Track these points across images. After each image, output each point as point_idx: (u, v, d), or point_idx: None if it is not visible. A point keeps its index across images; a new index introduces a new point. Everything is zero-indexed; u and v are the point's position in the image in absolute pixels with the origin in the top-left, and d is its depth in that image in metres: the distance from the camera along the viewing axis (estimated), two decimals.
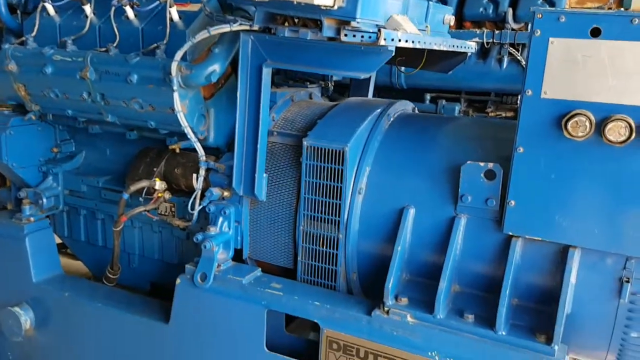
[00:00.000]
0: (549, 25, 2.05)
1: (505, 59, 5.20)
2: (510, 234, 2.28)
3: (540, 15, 2.06)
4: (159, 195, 2.91)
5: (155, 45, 2.67)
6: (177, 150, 2.90)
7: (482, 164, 2.31)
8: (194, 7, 2.73)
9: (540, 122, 2.11)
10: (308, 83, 3.36)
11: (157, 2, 2.72)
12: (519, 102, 2.20)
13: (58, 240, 3.52)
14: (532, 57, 2.09)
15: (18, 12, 3.26)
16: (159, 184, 2.91)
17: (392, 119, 2.80)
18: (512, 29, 5.15)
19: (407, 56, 3.03)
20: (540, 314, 2.25)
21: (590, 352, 2.39)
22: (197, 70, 2.51)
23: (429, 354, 2.19)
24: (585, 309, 2.24)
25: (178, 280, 2.70)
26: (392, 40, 2.11)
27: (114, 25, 2.79)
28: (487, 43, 5.18)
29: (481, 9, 5.37)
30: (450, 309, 2.33)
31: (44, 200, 3.26)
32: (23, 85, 3.01)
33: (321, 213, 2.61)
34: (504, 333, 2.18)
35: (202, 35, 2.42)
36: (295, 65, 2.46)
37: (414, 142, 2.67)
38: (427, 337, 2.24)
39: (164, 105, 2.63)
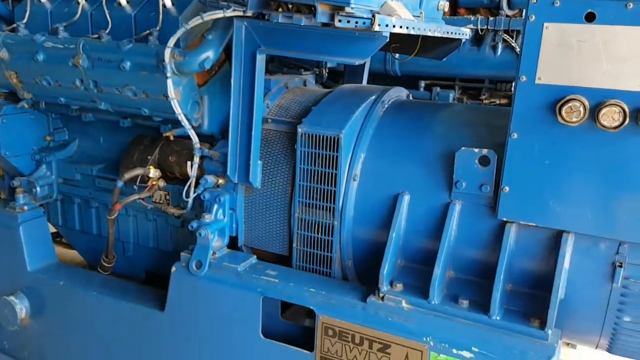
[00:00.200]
0: (544, 10, 2.04)
1: (500, 46, 5.18)
2: (505, 219, 2.29)
3: (535, 0, 2.05)
4: (154, 183, 2.90)
5: (148, 31, 2.65)
6: (171, 138, 2.89)
7: (476, 150, 2.32)
8: None
9: (534, 108, 2.11)
10: (302, 70, 3.35)
11: None
12: (513, 88, 2.20)
13: (52, 230, 3.51)
14: (526, 42, 2.09)
15: None
16: (153, 172, 2.89)
17: (386, 106, 2.79)
18: (507, 16, 5.13)
19: (401, 43, 3.01)
20: (534, 299, 2.27)
21: (584, 337, 2.41)
22: (191, 56, 2.50)
23: (424, 339, 2.21)
24: (579, 293, 2.25)
25: (173, 268, 2.70)
26: (387, 26, 2.10)
27: (106, 11, 2.77)
28: (482, 30, 5.16)
29: None
30: (444, 295, 2.34)
31: (38, 188, 3.25)
32: (15, 72, 2.98)
33: (316, 200, 2.61)
34: (498, 318, 2.19)
35: (195, 21, 2.40)
36: (289, 52, 2.45)
37: (408, 129, 2.67)
38: (422, 323, 2.26)
39: (157, 92, 2.61)
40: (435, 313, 2.28)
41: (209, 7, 2.46)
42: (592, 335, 2.35)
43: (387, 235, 2.42)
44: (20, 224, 3.17)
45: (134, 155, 3.06)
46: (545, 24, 2.04)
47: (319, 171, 2.58)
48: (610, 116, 1.97)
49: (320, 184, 2.59)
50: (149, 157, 2.99)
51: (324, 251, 2.65)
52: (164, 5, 2.64)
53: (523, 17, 2.35)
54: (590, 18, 1.98)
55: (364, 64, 3.59)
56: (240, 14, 2.37)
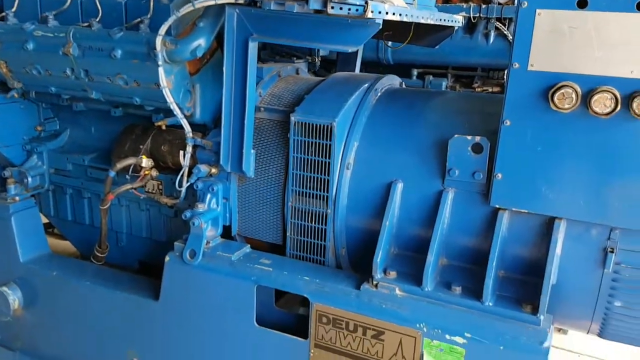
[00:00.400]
0: None
1: (492, 34, 5.19)
2: (497, 206, 2.30)
3: None
4: (146, 172, 2.89)
5: (139, 19, 2.62)
6: (163, 127, 2.87)
7: (469, 137, 2.32)
8: None
9: (527, 95, 2.12)
10: (295, 58, 3.33)
11: None
12: (506, 75, 2.20)
13: (44, 220, 3.49)
14: (519, 29, 2.09)
15: None
16: (146, 162, 2.88)
17: (379, 94, 2.79)
18: (499, 3, 5.13)
19: (394, 30, 3.01)
20: (526, 285, 2.29)
21: (575, 322, 2.44)
22: (182, 44, 2.48)
23: (417, 325, 2.22)
24: (570, 279, 2.27)
25: (167, 258, 2.69)
26: (380, 13, 2.09)
27: None
28: (474, 17, 5.16)
29: None
30: (438, 282, 2.35)
31: (29, 179, 3.23)
32: (4, 62, 2.95)
33: (309, 189, 2.61)
34: (490, 304, 2.21)
35: (187, 8, 2.38)
36: (282, 39, 2.43)
37: (401, 117, 2.67)
38: (415, 309, 2.27)
39: (149, 81, 2.59)
40: (429, 300, 2.29)
41: None
42: (584, 321, 2.37)
43: (381, 223, 2.43)
44: (12, 214, 3.15)
45: (125, 144, 3.04)
46: (538, 11, 2.03)
47: (313, 160, 2.58)
48: (602, 102, 1.98)
49: (314, 172, 2.59)
50: (141, 147, 2.97)
51: (317, 240, 2.65)
52: None
53: (515, 4, 2.34)
54: (582, 4, 1.98)
55: (357, 52, 3.58)
56: (232, 1, 2.35)
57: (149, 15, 2.62)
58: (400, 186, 2.48)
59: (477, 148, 2.32)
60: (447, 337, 2.17)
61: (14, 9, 2.95)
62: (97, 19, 2.73)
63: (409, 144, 2.56)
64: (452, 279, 2.35)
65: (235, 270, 2.57)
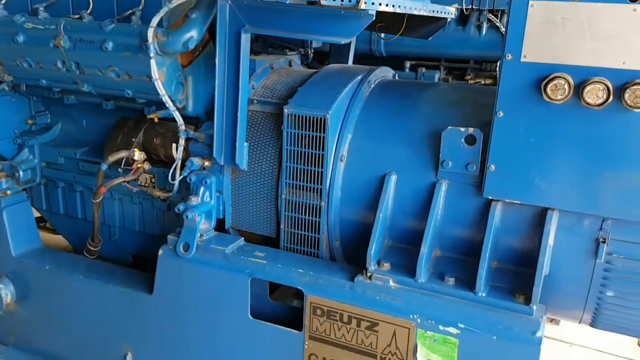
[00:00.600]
0: None
1: (485, 26, 5.19)
2: (490, 198, 2.30)
3: None
4: (139, 166, 2.87)
5: (131, 11, 2.61)
6: (156, 120, 2.86)
7: (462, 129, 2.32)
8: None
9: (520, 86, 2.12)
10: (287, 50, 3.32)
11: None
12: (498, 66, 2.20)
13: (36, 214, 3.47)
14: (512, 20, 2.09)
15: None
16: (138, 155, 2.87)
17: (372, 86, 2.79)
18: None
19: (387, 22, 3.00)
20: (519, 275, 2.30)
21: (567, 312, 2.46)
22: (174, 36, 2.46)
23: (411, 316, 2.23)
24: (563, 269, 2.29)
25: (160, 251, 2.69)
26: (373, 4, 2.09)
27: None
28: (467, 9, 5.15)
29: None
30: (431, 273, 2.36)
31: (21, 172, 3.21)
32: None
33: (303, 181, 2.61)
34: (483, 294, 2.22)
35: (179, 0, 2.36)
36: (274, 31, 2.42)
37: (395, 109, 2.67)
38: (409, 301, 2.28)
39: (140, 73, 2.58)
40: (422, 291, 2.30)
41: None
42: (576, 311, 2.39)
43: (374, 215, 2.43)
44: (4, 208, 3.13)
45: (117, 137, 3.03)
46: (530, 2, 2.03)
47: (306, 152, 2.58)
48: (594, 93, 1.98)
49: (307, 165, 2.58)
50: (133, 140, 2.96)
51: (311, 232, 2.65)
52: None
53: None
54: None
55: (350, 44, 3.58)
56: None
57: (140, 7, 2.60)
58: (393, 178, 2.49)
59: (470, 140, 2.32)
60: (441, 327, 2.18)
61: (3, 1, 2.92)
62: (88, 11, 2.71)
63: (402, 136, 2.56)
64: (446, 270, 2.36)
65: (229, 263, 2.57)
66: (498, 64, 2.50)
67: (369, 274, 2.37)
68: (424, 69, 5.66)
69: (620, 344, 4.33)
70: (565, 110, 2.07)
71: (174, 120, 2.73)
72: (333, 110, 2.52)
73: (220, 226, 2.84)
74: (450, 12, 2.91)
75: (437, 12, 2.77)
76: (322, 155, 2.55)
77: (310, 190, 2.61)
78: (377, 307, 2.30)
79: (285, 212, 2.67)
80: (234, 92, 2.51)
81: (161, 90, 2.58)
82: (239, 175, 2.77)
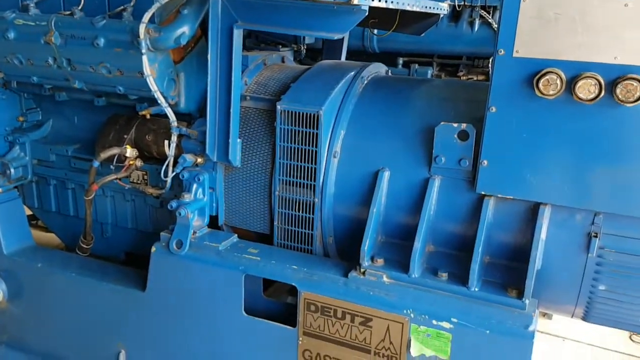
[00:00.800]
0: None
1: (477, 22, 5.20)
2: (483, 193, 2.31)
3: None
4: (130, 162, 2.86)
5: (122, 7, 2.60)
6: (148, 117, 2.84)
7: (455, 124, 2.33)
8: None
9: (512, 81, 2.12)
10: (280, 46, 3.31)
11: None
12: (491, 61, 2.21)
13: (28, 212, 3.45)
14: (504, 15, 2.09)
15: None
16: (130, 151, 2.86)
17: (365, 82, 2.79)
18: None
19: (379, 18, 3.00)
20: (511, 270, 2.31)
21: (560, 306, 2.47)
22: (166, 32, 2.45)
23: (405, 311, 2.24)
24: (555, 264, 2.30)
25: (153, 248, 2.68)
26: None
27: None
28: (459, 6, 5.16)
29: None
30: (424, 268, 2.37)
31: (12, 170, 3.19)
32: None
33: (296, 177, 2.61)
34: (476, 289, 2.23)
35: None
36: (267, 26, 2.42)
37: (388, 105, 2.67)
38: (402, 296, 2.28)
39: (132, 70, 2.56)
40: (416, 286, 2.31)
41: None
42: (568, 305, 2.40)
43: (368, 211, 2.43)
44: None
45: (109, 134, 3.01)
46: None
47: (299, 148, 2.57)
48: (586, 88, 1.99)
49: (301, 161, 2.58)
50: (125, 137, 2.94)
51: (305, 229, 2.65)
52: None
53: None
54: None
55: (343, 40, 3.57)
56: None
57: (132, 3, 2.59)
58: (387, 174, 2.49)
59: (463, 135, 2.32)
60: (434, 322, 2.19)
61: None
62: (80, 7, 2.70)
63: (395, 132, 2.57)
64: (439, 265, 2.36)
65: (223, 260, 2.57)
66: (490, 59, 2.51)
67: (362, 270, 2.37)
68: (416, 65, 5.67)
69: (612, 337, 4.36)
70: (557, 105, 2.08)
71: (166, 116, 2.72)
72: (326, 106, 2.52)
73: (213, 223, 2.83)
74: (442, 8, 2.92)
75: (430, 8, 2.77)
76: (316, 151, 2.55)
77: (303, 187, 2.61)
78: (370, 302, 2.30)
79: (278, 208, 2.67)
80: (226, 89, 2.50)
81: (153, 87, 2.57)
82: (232, 171, 2.77)
